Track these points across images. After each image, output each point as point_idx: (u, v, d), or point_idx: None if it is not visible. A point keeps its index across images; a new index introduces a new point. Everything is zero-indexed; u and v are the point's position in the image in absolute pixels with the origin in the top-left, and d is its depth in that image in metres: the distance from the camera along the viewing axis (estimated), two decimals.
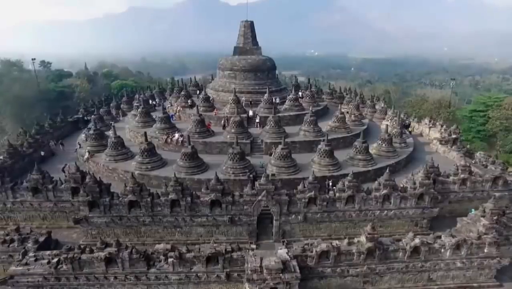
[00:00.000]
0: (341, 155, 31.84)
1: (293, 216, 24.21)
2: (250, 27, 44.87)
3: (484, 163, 31.38)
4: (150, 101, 48.59)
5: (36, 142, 35.28)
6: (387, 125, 36.70)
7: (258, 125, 36.69)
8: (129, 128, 38.45)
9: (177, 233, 24.41)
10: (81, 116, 47.83)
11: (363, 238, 21.13)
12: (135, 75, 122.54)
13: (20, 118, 63.47)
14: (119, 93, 67.06)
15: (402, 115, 47.13)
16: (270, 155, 31.05)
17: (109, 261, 20.11)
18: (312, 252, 20.68)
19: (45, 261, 20.31)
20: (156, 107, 45.98)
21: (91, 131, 34.86)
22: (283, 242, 23.26)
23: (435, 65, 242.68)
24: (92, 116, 42.42)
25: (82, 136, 38.10)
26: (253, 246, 22.27)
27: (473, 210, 24.16)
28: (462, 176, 27.48)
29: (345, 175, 25.98)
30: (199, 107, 36.48)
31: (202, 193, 23.75)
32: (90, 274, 20.18)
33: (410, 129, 45.15)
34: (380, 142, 34.08)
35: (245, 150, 31.44)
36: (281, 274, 19.02)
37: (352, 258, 21.12)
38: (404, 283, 22.25)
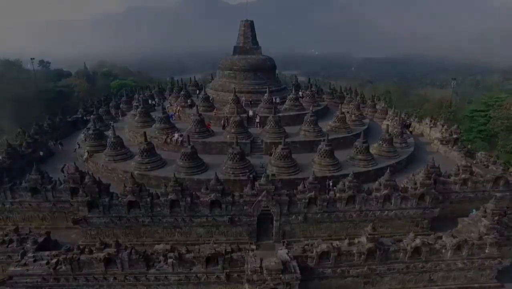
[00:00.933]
0: (341, 155, 31.69)
1: (293, 217, 24.11)
2: (250, 26, 44.73)
3: (485, 163, 31.30)
4: (150, 101, 48.47)
5: (35, 142, 35.13)
6: (387, 125, 36.59)
7: (258, 125, 36.56)
8: (128, 128, 38.34)
9: (176, 233, 24.30)
10: (80, 116, 47.81)
11: (363, 239, 21.05)
12: (134, 75, 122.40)
13: (18, 118, 63.22)
14: (118, 93, 66.88)
15: (403, 115, 47.04)
16: (270, 155, 30.92)
17: (108, 261, 20.02)
18: (312, 252, 20.61)
19: (44, 261, 20.22)
20: (156, 107, 45.88)
21: (90, 131, 34.74)
22: (283, 242, 23.07)
23: (436, 64, 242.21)
24: (91, 116, 42.23)
25: (81, 136, 37.96)
26: (253, 247, 22.23)
27: (474, 210, 24.10)
28: (463, 176, 27.37)
29: (346, 175, 25.84)
30: (198, 107, 36.37)
31: (202, 193, 23.65)
32: (89, 275, 20.09)
33: (410, 129, 45.01)
34: (380, 142, 33.95)
35: (245, 150, 31.31)
36: (281, 275, 18.95)
37: (352, 258, 21.05)
38: (405, 283, 22.17)
